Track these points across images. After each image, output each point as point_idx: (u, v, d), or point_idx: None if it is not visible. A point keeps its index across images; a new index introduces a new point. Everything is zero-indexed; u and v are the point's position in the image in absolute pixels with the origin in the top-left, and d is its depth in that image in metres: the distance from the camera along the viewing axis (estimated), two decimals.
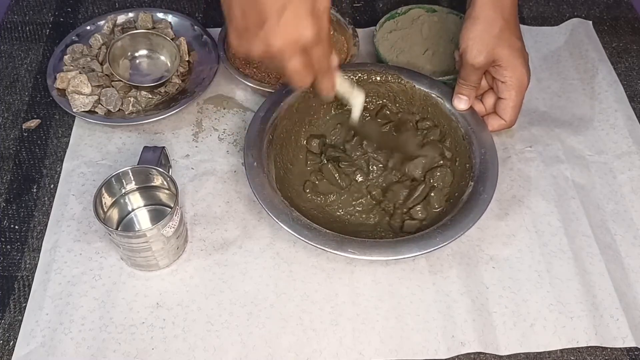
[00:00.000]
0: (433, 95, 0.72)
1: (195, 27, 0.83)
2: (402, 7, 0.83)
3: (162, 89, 0.76)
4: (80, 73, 0.74)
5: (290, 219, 0.61)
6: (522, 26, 0.70)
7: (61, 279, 0.63)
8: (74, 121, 0.76)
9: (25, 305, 0.61)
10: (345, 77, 0.63)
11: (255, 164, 0.65)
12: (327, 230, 0.61)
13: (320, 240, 0.60)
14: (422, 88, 0.72)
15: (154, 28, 0.81)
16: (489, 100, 0.71)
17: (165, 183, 0.63)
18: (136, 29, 0.80)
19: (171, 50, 0.78)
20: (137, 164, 0.64)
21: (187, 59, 0.79)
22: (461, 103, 0.70)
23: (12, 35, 0.85)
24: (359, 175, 0.69)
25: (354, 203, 0.68)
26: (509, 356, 0.60)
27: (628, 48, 0.86)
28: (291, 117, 0.71)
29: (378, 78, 0.73)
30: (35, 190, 0.70)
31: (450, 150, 0.70)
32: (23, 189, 0.70)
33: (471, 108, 0.70)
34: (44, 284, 0.63)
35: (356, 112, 0.67)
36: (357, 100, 0.66)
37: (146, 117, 0.73)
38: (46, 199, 0.69)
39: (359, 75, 0.73)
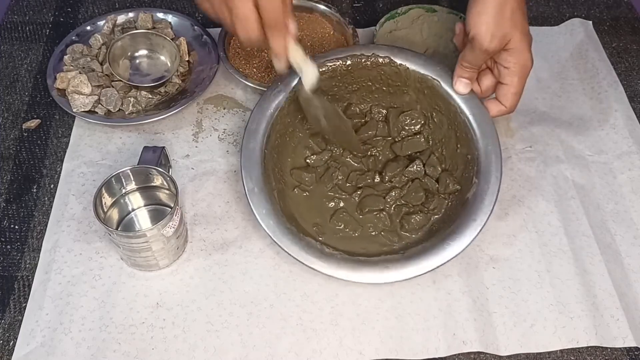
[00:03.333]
0: (429, 78, 0.69)
1: (195, 27, 0.83)
2: (402, 7, 0.83)
3: (162, 89, 0.76)
4: (80, 73, 0.74)
5: (299, 247, 0.60)
6: None
7: (61, 279, 0.63)
8: (74, 121, 0.76)
9: (25, 305, 0.61)
10: (300, 47, 0.62)
11: (255, 189, 0.63)
12: (341, 254, 0.61)
13: (332, 264, 0.60)
14: (416, 70, 0.70)
15: (154, 28, 0.81)
16: (486, 81, 0.68)
17: (165, 183, 0.63)
18: (136, 29, 0.80)
19: (171, 50, 0.78)
20: (137, 164, 0.64)
21: (187, 59, 0.79)
22: (463, 86, 0.67)
23: (12, 35, 0.85)
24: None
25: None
26: (509, 357, 0.60)
27: (628, 48, 0.86)
28: (283, 121, 0.69)
29: (368, 63, 0.70)
30: (35, 190, 0.70)
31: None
32: (23, 189, 0.70)
33: (471, 91, 0.68)
34: (44, 284, 0.63)
35: (307, 85, 0.65)
36: (308, 72, 0.64)
37: (146, 117, 0.73)
38: (46, 199, 0.69)
39: (349, 62, 0.70)
